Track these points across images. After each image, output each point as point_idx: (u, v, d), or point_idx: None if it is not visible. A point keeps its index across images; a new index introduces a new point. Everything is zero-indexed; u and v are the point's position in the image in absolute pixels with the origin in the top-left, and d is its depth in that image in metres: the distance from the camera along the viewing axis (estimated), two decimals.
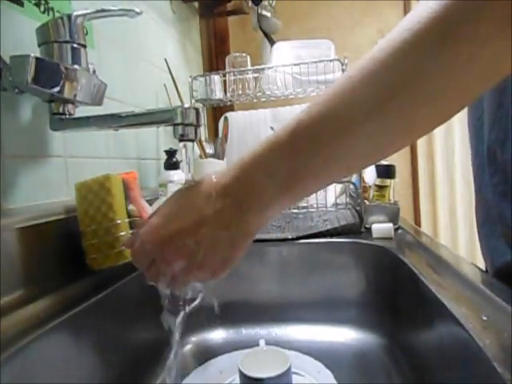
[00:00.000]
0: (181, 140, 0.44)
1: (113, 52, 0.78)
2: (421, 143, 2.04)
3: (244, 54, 1.12)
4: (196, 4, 1.34)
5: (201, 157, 0.96)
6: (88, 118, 0.51)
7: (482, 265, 0.55)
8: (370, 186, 0.85)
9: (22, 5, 0.53)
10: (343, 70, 0.98)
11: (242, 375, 0.48)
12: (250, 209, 0.33)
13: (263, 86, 1.07)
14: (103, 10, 0.51)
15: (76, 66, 0.49)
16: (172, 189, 0.80)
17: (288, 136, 0.31)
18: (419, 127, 0.29)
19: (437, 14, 0.24)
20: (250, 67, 1.09)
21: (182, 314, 0.46)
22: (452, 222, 1.98)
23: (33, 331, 0.39)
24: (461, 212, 1.93)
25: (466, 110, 0.59)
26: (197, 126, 0.44)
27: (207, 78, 1.07)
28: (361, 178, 0.83)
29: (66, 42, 0.49)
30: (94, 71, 0.57)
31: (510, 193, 0.48)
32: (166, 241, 0.36)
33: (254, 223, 0.35)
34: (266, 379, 0.46)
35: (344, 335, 0.67)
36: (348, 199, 0.92)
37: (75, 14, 0.50)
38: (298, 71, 1.03)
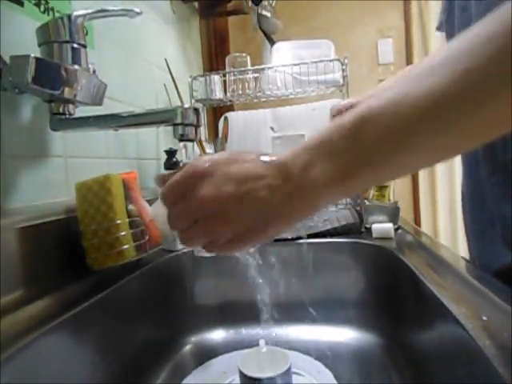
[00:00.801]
0: (181, 140, 0.44)
1: (113, 52, 0.78)
2: None
3: (244, 54, 1.12)
4: (196, 4, 1.34)
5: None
6: (88, 117, 0.51)
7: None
8: None
9: (22, 5, 0.53)
10: (343, 70, 0.98)
11: (242, 375, 0.48)
12: (303, 190, 0.31)
13: (263, 86, 1.07)
14: (103, 10, 0.51)
15: (76, 66, 0.49)
16: None
17: (355, 119, 0.29)
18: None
19: None
20: (249, 67, 1.09)
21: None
22: (452, 222, 1.98)
23: (33, 331, 0.39)
24: (461, 212, 1.93)
25: None
26: (197, 125, 0.44)
27: (207, 77, 1.07)
28: None
29: (66, 42, 0.49)
30: (94, 71, 0.57)
31: (511, 193, 0.48)
32: (225, 203, 0.32)
33: (299, 209, 0.32)
34: (265, 379, 0.46)
35: (344, 335, 0.67)
36: (348, 199, 0.92)
37: (75, 14, 0.50)
38: (298, 71, 1.03)
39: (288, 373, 0.48)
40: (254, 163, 0.33)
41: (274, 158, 0.33)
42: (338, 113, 0.55)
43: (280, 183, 0.32)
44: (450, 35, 0.62)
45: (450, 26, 0.61)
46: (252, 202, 0.32)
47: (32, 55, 0.44)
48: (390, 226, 0.73)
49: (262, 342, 0.58)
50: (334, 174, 0.30)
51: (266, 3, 1.31)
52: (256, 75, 1.07)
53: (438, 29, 0.70)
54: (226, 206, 0.32)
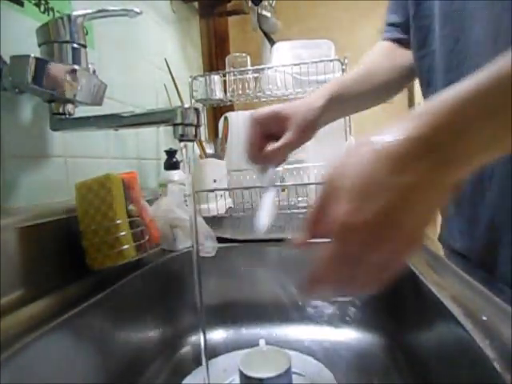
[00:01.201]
0: (181, 140, 0.44)
1: (113, 52, 0.78)
2: None
3: (244, 54, 1.12)
4: (196, 4, 1.34)
5: (201, 157, 0.96)
6: (88, 117, 0.51)
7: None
8: None
9: (22, 5, 0.53)
10: (343, 70, 0.98)
11: (242, 375, 0.48)
12: (456, 162, 0.27)
13: (263, 86, 1.07)
14: (103, 10, 0.51)
15: (76, 66, 0.49)
16: (172, 189, 0.80)
17: None
18: None
19: None
20: (249, 67, 1.09)
21: None
22: None
23: (33, 331, 0.39)
24: None
25: None
26: (197, 125, 0.44)
27: (207, 77, 1.07)
28: None
29: (66, 42, 0.49)
30: (94, 71, 0.57)
31: None
32: (372, 225, 0.27)
33: (455, 178, 0.28)
34: (265, 379, 0.46)
35: (344, 335, 0.67)
36: None
37: (75, 14, 0.50)
38: (298, 71, 1.04)
39: (288, 373, 0.48)
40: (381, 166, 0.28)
41: (412, 146, 0.27)
42: (258, 121, 0.51)
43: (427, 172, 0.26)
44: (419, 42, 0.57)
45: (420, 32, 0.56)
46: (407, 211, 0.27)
47: (32, 55, 0.44)
48: None
49: (262, 342, 0.58)
50: (500, 129, 0.25)
51: (266, 3, 1.31)
52: (256, 75, 1.07)
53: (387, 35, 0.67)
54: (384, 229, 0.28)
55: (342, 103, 0.58)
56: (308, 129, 0.53)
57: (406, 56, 0.62)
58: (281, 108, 0.53)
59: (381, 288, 0.32)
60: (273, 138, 0.51)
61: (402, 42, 0.65)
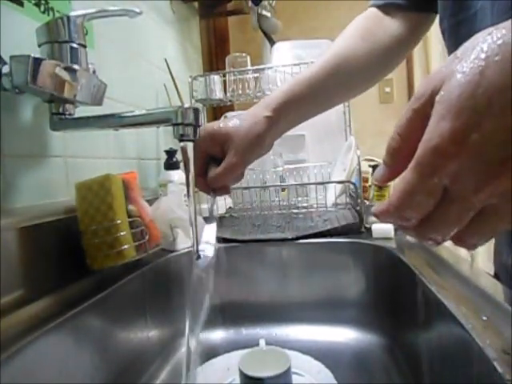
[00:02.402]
0: (181, 140, 0.44)
1: (113, 52, 0.78)
2: None
3: (244, 54, 1.12)
4: (196, 4, 1.34)
5: None
6: (88, 117, 0.51)
7: (482, 265, 0.55)
8: (370, 186, 0.85)
9: (21, 5, 0.53)
10: None
11: (242, 375, 0.48)
12: None
13: (263, 86, 1.07)
14: (103, 10, 0.51)
15: (76, 66, 0.49)
16: (172, 189, 0.80)
17: None
18: None
19: None
20: (249, 67, 1.09)
21: None
22: None
23: (33, 331, 0.39)
24: None
25: None
26: (196, 125, 0.44)
27: (207, 78, 1.07)
28: (361, 178, 0.83)
29: (66, 42, 0.49)
30: (94, 71, 0.57)
31: None
32: (484, 152, 0.20)
33: None
34: (265, 379, 0.46)
35: (344, 335, 0.67)
36: (348, 199, 0.92)
37: (75, 14, 0.50)
38: (298, 71, 1.03)
39: (288, 373, 0.48)
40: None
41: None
42: (198, 144, 0.45)
43: None
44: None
45: None
46: None
47: (32, 55, 0.44)
48: (389, 226, 0.73)
49: (262, 342, 0.58)
50: None
51: (266, 3, 1.31)
52: (256, 75, 1.07)
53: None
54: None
55: (302, 105, 0.50)
56: (253, 146, 0.46)
57: (393, 29, 0.54)
58: (218, 127, 0.46)
59: (480, 243, 0.24)
60: (216, 162, 0.46)
61: (399, 7, 0.54)
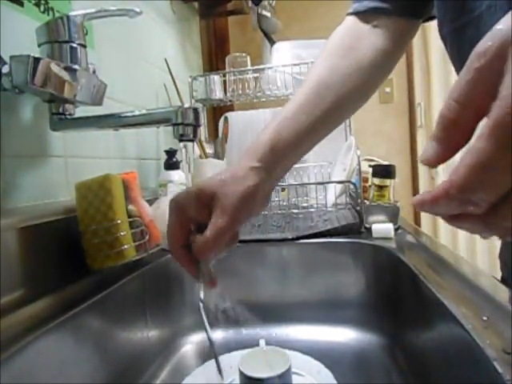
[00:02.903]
0: (181, 140, 0.44)
1: (113, 52, 0.78)
2: (421, 143, 2.04)
3: (244, 54, 1.12)
4: (196, 4, 1.34)
5: (201, 157, 0.96)
6: (88, 117, 0.51)
7: (481, 265, 0.55)
8: (370, 186, 0.85)
9: (21, 5, 0.53)
10: None
11: (242, 375, 0.48)
12: None
13: (263, 86, 1.07)
14: (103, 10, 0.51)
15: (76, 66, 0.49)
16: (172, 189, 0.80)
17: None
18: None
19: None
20: (249, 67, 1.09)
21: None
22: None
23: (33, 331, 0.39)
24: None
25: None
26: (196, 125, 0.44)
27: (207, 78, 1.07)
28: (361, 178, 0.83)
29: (66, 41, 0.49)
30: (94, 71, 0.57)
31: None
32: None
33: None
34: (266, 379, 0.46)
35: (344, 335, 0.67)
36: (348, 199, 0.92)
37: (75, 13, 0.50)
38: (298, 71, 1.03)
39: (288, 373, 0.48)
40: None
41: None
42: (177, 207, 0.39)
43: None
44: None
45: None
46: None
47: (32, 55, 0.44)
48: (389, 226, 0.73)
49: (262, 342, 0.58)
50: None
51: (266, 3, 1.31)
52: (256, 75, 1.07)
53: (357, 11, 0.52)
54: None
55: (293, 147, 0.44)
56: (243, 203, 0.38)
57: (376, 41, 0.50)
58: (202, 185, 0.39)
59: None
60: (201, 227, 0.38)
61: (383, 13, 0.50)
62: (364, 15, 0.51)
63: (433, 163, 0.21)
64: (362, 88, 0.50)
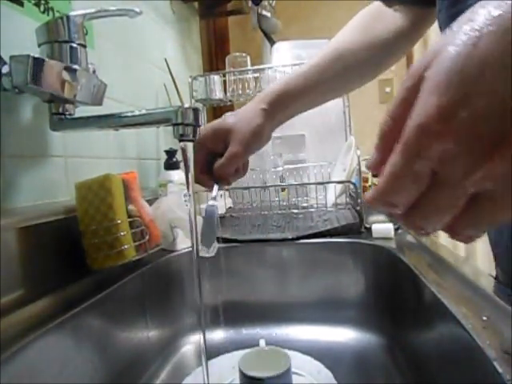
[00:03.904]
0: (181, 140, 0.44)
1: (113, 52, 0.78)
2: None
3: (244, 54, 1.12)
4: (196, 4, 1.34)
5: None
6: (88, 117, 0.51)
7: (481, 265, 0.55)
8: (370, 186, 0.85)
9: (21, 5, 0.53)
10: None
11: (242, 375, 0.48)
12: None
13: (263, 86, 1.07)
14: (103, 10, 0.51)
15: (76, 66, 0.49)
16: (172, 189, 0.80)
17: None
18: None
19: None
20: (249, 67, 1.09)
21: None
22: None
23: (33, 331, 0.39)
24: None
25: None
26: (196, 125, 0.44)
27: (207, 78, 1.07)
28: (361, 178, 0.83)
29: (66, 41, 0.49)
30: (94, 71, 0.57)
31: None
32: (472, 132, 0.18)
33: None
34: (266, 379, 0.46)
35: (344, 335, 0.67)
36: (348, 199, 0.92)
37: (75, 13, 0.50)
38: None
39: (288, 373, 0.48)
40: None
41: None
42: (201, 144, 0.49)
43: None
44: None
45: None
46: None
47: (32, 55, 0.44)
48: (389, 226, 0.73)
49: (262, 342, 0.58)
50: None
51: (265, 3, 1.31)
52: (256, 75, 1.07)
53: None
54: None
55: (297, 99, 0.52)
56: (253, 137, 0.49)
57: (395, 23, 0.54)
58: (219, 124, 0.50)
59: (476, 235, 0.22)
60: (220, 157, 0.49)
61: (404, 2, 0.54)
62: (387, 1, 0.56)
63: (374, 170, 0.24)
64: (371, 62, 0.56)
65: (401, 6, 0.55)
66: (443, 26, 0.47)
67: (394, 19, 0.55)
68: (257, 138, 0.49)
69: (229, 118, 0.50)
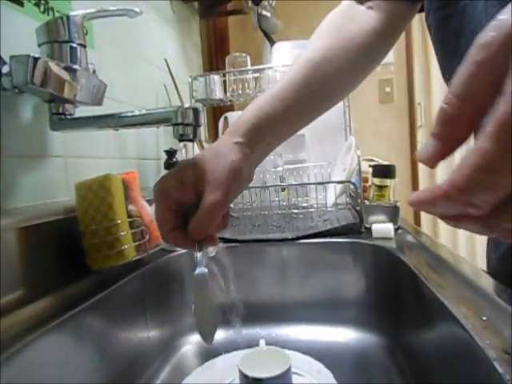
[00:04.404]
0: (181, 140, 0.44)
1: (113, 52, 0.78)
2: (421, 143, 2.04)
3: (244, 54, 1.12)
4: (196, 4, 1.34)
5: None
6: (88, 118, 0.51)
7: (481, 265, 0.55)
8: (370, 186, 0.85)
9: (21, 5, 0.53)
10: None
11: (242, 375, 0.48)
12: None
13: (263, 86, 1.07)
14: (103, 10, 0.51)
15: (76, 66, 0.49)
16: None
17: None
18: None
19: None
20: (249, 67, 1.09)
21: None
22: None
23: (33, 331, 0.39)
24: None
25: None
26: (196, 125, 0.44)
27: (207, 77, 1.07)
28: (361, 178, 0.83)
29: (66, 41, 0.49)
30: (94, 71, 0.57)
31: None
32: None
33: None
34: (265, 379, 0.46)
35: (344, 335, 0.67)
36: (348, 199, 0.92)
37: (75, 13, 0.50)
38: None
39: (288, 373, 0.48)
40: None
41: None
42: (164, 194, 0.37)
43: None
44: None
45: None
46: None
47: (32, 55, 0.44)
48: (389, 226, 0.73)
49: (262, 342, 0.58)
50: None
51: (265, 3, 1.31)
52: (256, 75, 1.07)
53: None
54: None
55: (278, 124, 0.43)
56: (230, 178, 0.37)
57: (369, 22, 0.49)
58: (184, 167, 0.38)
59: None
60: (194, 211, 0.37)
61: None
62: None
63: (431, 161, 0.20)
64: (350, 68, 0.49)
65: (378, 0, 0.49)
66: (432, 29, 0.46)
67: (367, 19, 0.49)
68: (236, 177, 0.38)
69: (197, 159, 0.38)
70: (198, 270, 0.40)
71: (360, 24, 0.49)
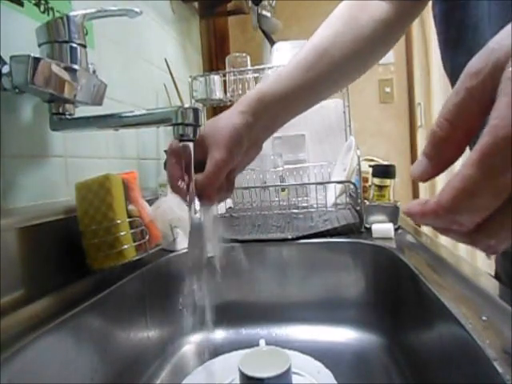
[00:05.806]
0: (181, 140, 0.44)
1: (113, 52, 0.78)
2: (421, 143, 2.04)
3: (244, 54, 1.12)
4: (196, 4, 1.34)
5: None
6: (88, 118, 0.51)
7: (481, 265, 0.55)
8: (370, 186, 0.85)
9: (21, 5, 0.53)
10: None
11: (242, 375, 0.48)
12: None
13: None
14: (103, 10, 0.51)
15: (76, 66, 0.49)
16: None
17: None
18: None
19: None
20: (249, 67, 1.09)
21: None
22: None
23: (33, 331, 0.39)
24: None
25: None
26: (196, 125, 0.44)
27: (207, 78, 1.07)
28: (361, 178, 0.83)
29: (66, 41, 0.49)
30: (94, 71, 0.57)
31: None
32: None
33: None
34: (265, 379, 0.46)
35: (344, 335, 0.67)
36: (348, 199, 0.92)
37: (75, 13, 0.50)
38: None
39: (288, 373, 0.48)
40: None
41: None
42: (175, 153, 0.43)
43: None
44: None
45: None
46: None
47: (32, 55, 0.44)
48: (389, 226, 0.73)
49: (262, 342, 0.58)
50: None
51: (265, 3, 1.31)
52: (256, 75, 1.07)
53: None
54: None
55: (282, 102, 0.46)
56: (233, 140, 0.42)
57: (379, 13, 0.50)
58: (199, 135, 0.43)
59: None
60: (199, 167, 0.41)
61: None
62: None
63: (423, 179, 0.22)
64: (358, 56, 0.51)
65: None
66: (438, 18, 0.47)
67: (378, 9, 0.51)
68: (235, 139, 0.42)
69: (206, 124, 0.45)
70: (195, 219, 0.44)
71: (372, 14, 0.51)
